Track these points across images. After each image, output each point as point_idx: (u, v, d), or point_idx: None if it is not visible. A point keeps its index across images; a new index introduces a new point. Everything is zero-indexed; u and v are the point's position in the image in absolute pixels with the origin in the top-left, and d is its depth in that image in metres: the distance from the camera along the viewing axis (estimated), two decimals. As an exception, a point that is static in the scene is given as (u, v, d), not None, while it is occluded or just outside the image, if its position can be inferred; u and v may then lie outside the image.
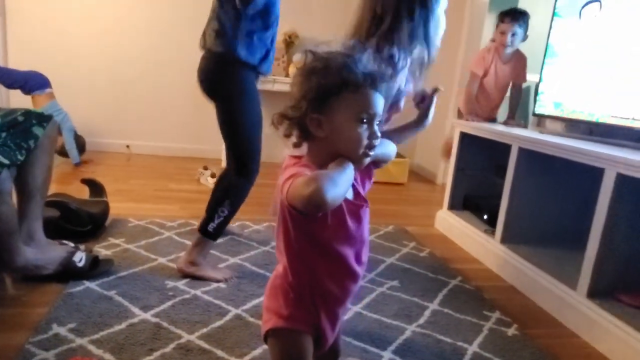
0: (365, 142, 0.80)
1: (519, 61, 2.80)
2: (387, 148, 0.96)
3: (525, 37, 2.71)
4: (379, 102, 0.82)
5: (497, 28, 2.72)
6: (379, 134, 0.81)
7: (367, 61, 0.81)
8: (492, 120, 2.91)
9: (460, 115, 2.97)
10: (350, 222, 0.84)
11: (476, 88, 2.81)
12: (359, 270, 0.89)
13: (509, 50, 2.72)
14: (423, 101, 1.44)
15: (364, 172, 0.97)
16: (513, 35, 2.64)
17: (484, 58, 2.79)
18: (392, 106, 1.32)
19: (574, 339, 1.62)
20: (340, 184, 0.74)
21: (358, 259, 0.89)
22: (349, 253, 0.86)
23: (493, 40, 2.83)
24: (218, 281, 1.71)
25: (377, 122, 0.82)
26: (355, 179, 0.86)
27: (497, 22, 2.76)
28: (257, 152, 1.82)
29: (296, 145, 0.85)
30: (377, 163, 0.95)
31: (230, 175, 1.80)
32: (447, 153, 2.93)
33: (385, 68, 0.84)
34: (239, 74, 1.69)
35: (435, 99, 1.42)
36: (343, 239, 0.84)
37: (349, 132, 0.79)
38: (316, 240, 0.83)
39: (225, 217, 1.77)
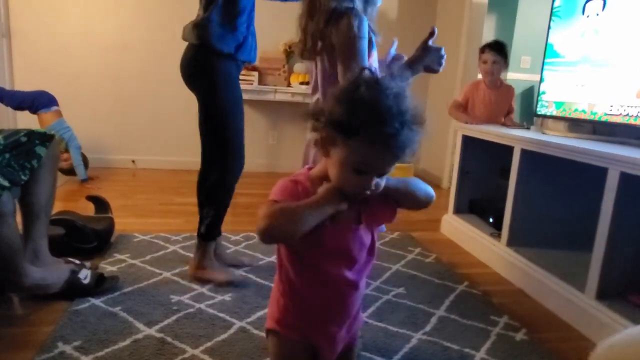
0: (353, 189, 0.77)
1: (507, 91, 2.87)
2: (414, 186, 0.86)
3: (506, 65, 2.82)
4: (389, 163, 0.76)
5: (480, 59, 2.83)
6: (372, 188, 0.76)
7: (401, 119, 0.73)
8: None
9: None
10: (331, 242, 0.81)
11: (458, 114, 2.81)
12: (343, 289, 0.85)
13: (493, 77, 2.80)
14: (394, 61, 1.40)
15: (381, 208, 0.86)
16: (494, 63, 2.74)
17: (469, 87, 2.89)
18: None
19: (584, 342, 1.59)
20: (299, 222, 0.74)
21: (342, 277, 0.84)
22: (331, 269, 0.83)
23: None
24: (221, 282, 1.77)
25: (376, 177, 0.77)
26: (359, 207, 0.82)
27: (478, 55, 2.86)
28: (238, 145, 1.81)
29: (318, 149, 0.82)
30: (399, 201, 0.86)
31: (209, 176, 1.80)
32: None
33: (416, 125, 0.75)
34: (215, 64, 1.71)
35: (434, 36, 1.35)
36: (322, 257, 0.82)
37: (339, 173, 0.77)
38: (293, 253, 0.83)
39: (213, 217, 1.80)
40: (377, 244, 0.90)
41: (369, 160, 0.75)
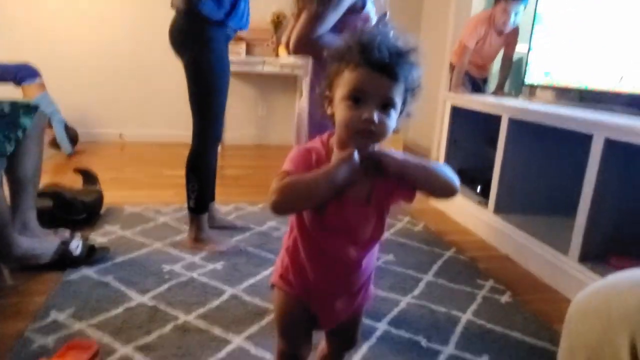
0: (356, 125, 0.73)
1: (513, 34, 2.79)
2: (436, 169, 0.79)
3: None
4: (382, 84, 0.73)
5: (499, 5, 2.66)
6: (375, 119, 0.72)
7: (383, 41, 0.73)
8: (484, 80, 2.94)
9: (452, 68, 2.97)
10: (334, 219, 0.79)
11: (467, 61, 2.80)
12: (343, 265, 0.84)
13: (508, 29, 2.71)
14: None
15: (397, 188, 0.80)
16: (516, 14, 2.63)
17: (476, 30, 2.77)
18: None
19: (567, 303, 1.62)
20: (310, 195, 0.74)
21: (344, 253, 0.82)
22: (332, 245, 0.82)
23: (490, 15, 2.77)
24: (222, 251, 1.82)
25: (382, 108, 0.74)
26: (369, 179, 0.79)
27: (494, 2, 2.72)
28: (220, 116, 1.81)
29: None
30: (417, 182, 0.79)
31: (191, 151, 1.82)
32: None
33: (406, 52, 0.74)
34: (204, 31, 1.69)
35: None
36: (324, 229, 0.81)
37: (341, 111, 0.75)
38: (302, 220, 0.83)
39: (198, 190, 1.82)
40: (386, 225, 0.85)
41: (361, 84, 0.73)
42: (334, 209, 0.78)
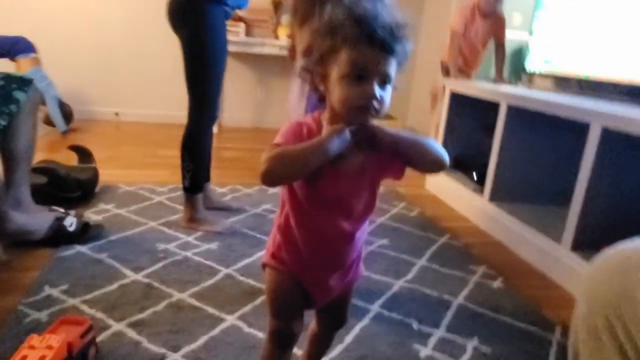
0: (357, 102, 0.74)
1: (498, 19, 2.82)
2: (427, 144, 0.80)
3: None
4: (382, 61, 0.73)
5: None
6: (376, 95, 0.73)
7: (379, 16, 0.73)
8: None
9: (444, 70, 2.97)
10: (330, 189, 0.80)
11: (458, 45, 2.81)
12: (336, 239, 0.84)
13: (492, 9, 2.74)
14: None
15: (388, 161, 0.81)
16: None
17: (463, 13, 2.80)
18: None
19: (558, 290, 1.66)
20: (300, 164, 0.74)
21: (337, 226, 0.83)
22: (326, 217, 0.82)
23: None
24: (217, 232, 1.81)
25: (381, 84, 0.74)
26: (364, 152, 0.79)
27: None
28: (216, 95, 1.79)
29: (318, 99, 0.81)
30: (409, 157, 0.80)
31: (186, 130, 1.81)
32: (434, 100, 2.95)
33: (401, 26, 0.74)
34: (201, 7, 1.67)
35: None
36: (319, 201, 0.81)
37: (340, 89, 0.75)
38: (293, 194, 0.83)
39: (193, 170, 1.82)
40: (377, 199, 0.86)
41: (363, 62, 0.73)
42: (329, 180, 0.78)
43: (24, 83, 1.62)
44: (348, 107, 0.75)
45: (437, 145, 0.81)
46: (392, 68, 0.75)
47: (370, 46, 0.72)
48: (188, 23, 1.69)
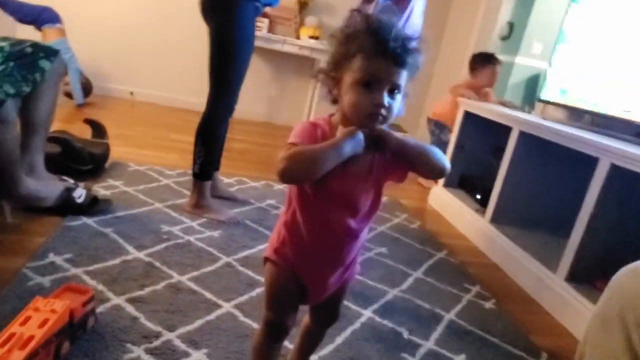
0: (366, 108, 0.78)
1: (487, 95, 3.14)
2: (430, 151, 0.84)
3: None
4: (392, 71, 0.78)
5: (487, 69, 3.08)
6: (385, 103, 0.78)
7: (394, 29, 0.78)
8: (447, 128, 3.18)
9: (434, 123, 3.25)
10: (338, 187, 0.83)
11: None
12: (342, 235, 0.87)
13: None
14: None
15: (394, 164, 0.85)
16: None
17: (466, 90, 3.08)
18: None
19: (547, 317, 1.69)
20: (318, 164, 0.77)
21: (344, 223, 0.86)
22: (334, 214, 0.85)
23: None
24: (221, 221, 1.84)
25: (390, 93, 0.79)
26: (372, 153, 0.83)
27: (482, 65, 3.10)
28: (235, 86, 1.83)
29: (331, 101, 0.85)
30: (413, 162, 0.84)
31: (203, 117, 1.84)
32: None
33: (414, 40, 0.79)
34: (235, 2, 1.71)
35: None
36: (328, 202, 0.84)
37: (351, 95, 0.79)
38: (302, 191, 0.86)
39: (205, 156, 1.85)
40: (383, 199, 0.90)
41: (374, 71, 0.77)
42: (338, 178, 0.81)
43: (51, 53, 1.65)
44: (357, 113, 0.79)
45: (439, 153, 0.86)
46: (403, 78, 0.80)
47: (383, 57, 0.77)
48: (219, 15, 1.72)
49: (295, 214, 0.87)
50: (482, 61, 3.12)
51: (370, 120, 0.80)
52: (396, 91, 0.80)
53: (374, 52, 0.77)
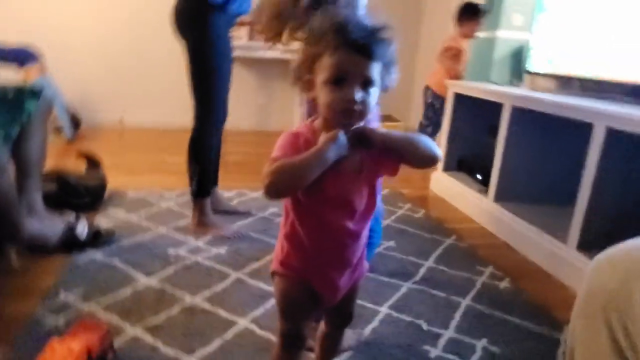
0: (340, 105, 0.77)
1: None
2: (418, 141, 0.83)
3: None
4: (361, 65, 0.76)
5: (474, 21, 3.04)
6: (358, 98, 0.76)
7: (356, 22, 0.77)
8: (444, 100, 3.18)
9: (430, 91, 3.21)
10: (331, 189, 0.82)
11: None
12: (343, 237, 0.86)
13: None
14: None
15: (384, 159, 0.84)
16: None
17: (461, 44, 3.11)
18: None
19: (564, 289, 1.68)
20: (302, 175, 0.76)
21: (343, 226, 0.85)
22: (331, 217, 0.85)
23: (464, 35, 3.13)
24: (225, 236, 1.83)
25: (363, 87, 0.77)
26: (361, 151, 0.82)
27: (466, 17, 3.08)
28: (220, 100, 1.81)
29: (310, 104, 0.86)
30: (402, 155, 0.83)
31: (191, 135, 1.83)
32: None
33: (379, 30, 0.78)
34: (205, 14, 1.69)
35: None
36: (323, 206, 0.83)
37: (324, 94, 0.78)
38: (296, 200, 0.85)
39: (200, 174, 1.83)
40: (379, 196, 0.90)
41: (341, 66, 0.76)
42: (331, 180, 0.81)
43: (34, 93, 1.65)
44: (332, 112, 0.79)
45: (427, 140, 0.85)
46: (375, 71, 0.78)
47: (348, 51, 0.76)
48: (192, 31, 1.72)
49: (294, 224, 0.87)
50: (468, 13, 3.13)
51: (345, 118, 0.79)
52: (369, 85, 0.78)
53: (340, 48, 0.76)
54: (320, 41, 0.78)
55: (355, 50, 0.76)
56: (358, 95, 0.76)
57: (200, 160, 1.83)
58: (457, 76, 3.05)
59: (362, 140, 0.81)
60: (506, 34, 3.41)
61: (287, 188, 0.79)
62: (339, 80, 0.76)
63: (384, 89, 0.82)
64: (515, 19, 3.88)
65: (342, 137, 0.78)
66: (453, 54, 3.09)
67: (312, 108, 1.28)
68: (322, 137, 0.79)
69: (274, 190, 0.77)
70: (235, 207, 2.17)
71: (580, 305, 0.71)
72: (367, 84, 0.78)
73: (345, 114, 0.78)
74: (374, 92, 0.79)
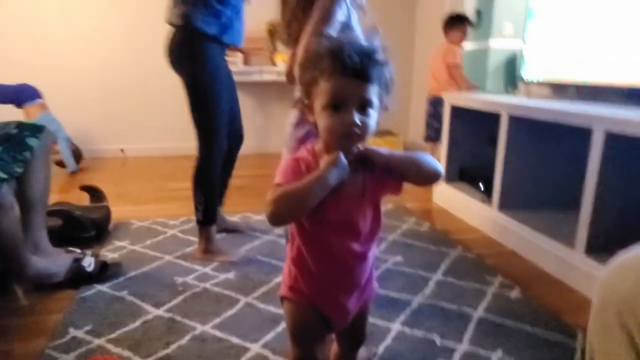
0: (339, 130, 0.77)
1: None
2: (420, 160, 0.84)
3: None
4: (358, 88, 0.77)
5: (461, 30, 3.18)
6: (357, 122, 0.76)
7: (351, 46, 0.77)
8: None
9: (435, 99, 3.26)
10: (334, 214, 0.82)
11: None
12: (350, 260, 0.86)
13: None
14: None
15: (386, 180, 0.85)
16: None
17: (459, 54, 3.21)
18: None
19: (575, 295, 1.67)
20: (304, 201, 0.77)
21: (349, 249, 0.85)
22: (336, 241, 0.85)
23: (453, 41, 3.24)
24: (233, 262, 1.82)
25: (361, 109, 0.77)
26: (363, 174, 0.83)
27: (450, 26, 3.21)
28: (218, 128, 1.81)
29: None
30: (404, 174, 0.84)
31: (196, 164, 1.84)
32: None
33: (376, 52, 0.78)
34: (199, 46, 1.71)
35: None
36: (327, 230, 0.84)
37: (323, 119, 0.79)
38: (300, 225, 0.85)
39: (205, 202, 1.83)
40: (383, 216, 0.90)
41: (338, 92, 0.77)
42: (333, 204, 0.81)
43: (36, 130, 1.67)
44: (332, 136, 0.79)
45: (430, 159, 0.85)
46: (372, 93, 0.79)
47: (343, 76, 0.77)
48: (187, 63, 1.73)
49: (300, 249, 0.87)
50: (453, 20, 3.22)
51: (346, 141, 0.79)
52: (368, 107, 0.79)
53: (335, 73, 0.77)
54: (316, 66, 0.79)
55: (351, 75, 0.76)
56: (357, 118, 0.77)
57: (205, 189, 1.84)
58: (470, 87, 3.15)
59: (364, 162, 0.81)
60: (498, 43, 3.46)
61: (290, 215, 0.80)
62: (336, 105, 0.77)
63: (384, 109, 0.83)
64: (505, 27, 3.94)
65: (343, 159, 0.78)
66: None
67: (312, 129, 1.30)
68: (323, 160, 0.79)
69: (277, 219, 0.79)
70: (238, 224, 2.20)
71: (596, 314, 0.71)
72: (365, 106, 0.78)
73: (345, 137, 0.78)
74: (373, 113, 0.79)
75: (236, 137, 2.05)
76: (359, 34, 1.35)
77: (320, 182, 0.77)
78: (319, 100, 0.79)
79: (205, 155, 1.82)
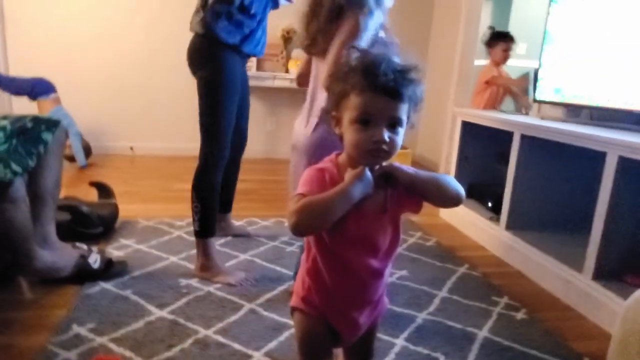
0: (366, 146, 0.77)
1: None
2: (443, 181, 0.84)
3: None
4: (388, 106, 0.77)
5: (499, 47, 3.19)
6: (385, 139, 0.77)
7: (385, 63, 0.77)
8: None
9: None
10: (354, 229, 0.82)
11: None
12: (366, 276, 0.86)
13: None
14: None
15: (407, 198, 0.85)
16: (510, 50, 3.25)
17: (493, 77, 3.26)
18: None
19: (581, 320, 1.65)
20: (328, 213, 0.76)
21: (366, 265, 0.84)
22: (354, 256, 0.84)
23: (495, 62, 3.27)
24: (231, 284, 1.69)
25: (390, 127, 0.77)
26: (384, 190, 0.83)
27: (494, 41, 3.23)
28: (225, 136, 1.77)
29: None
30: (425, 194, 0.84)
31: (196, 171, 1.78)
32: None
33: (409, 71, 0.78)
34: (217, 53, 1.71)
35: None
36: (347, 245, 0.83)
37: (351, 133, 0.79)
38: (319, 238, 0.84)
39: (201, 211, 1.73)
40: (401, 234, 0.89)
41: (368, 108, 0.77)
42: (353, 220, 0.80)
43: (52, 124, 1.67)
44: (358, 151, 0.79)
45: (453, 182, 0.84)
46: (402, 111, 0.79)
47: (376, 93, 0.77)
48: (203, 67, 1.72)
49: (316, 260, 0.86)
50: (493, 38, 3.25)
51: (372, 157, 0.79)
52: (397, 125, 0.78)
53: (367, 89, 0.77)
54: (349, 79, 0.79)
55: (383, 93, 0.76)
56: (385, 135, 0.77)
57: (203, 199, 1.75)
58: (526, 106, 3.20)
59: (388, 178, 0.81)
60: (512, 62, 3.47)
61: (313, 227, 0.79)
62: (366, 121, 0.77)
63: (411, 126, 0.82)
64: (519, 47, 3.95)
65: (368, 174, 0.78)
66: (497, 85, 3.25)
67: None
68: (348, 174, 0.79)
69: (300, 229, 0.78)
70: (245, 230, 2.20)
71: (617, 348, 0.70)
72: (394, 124, 0.78)
73: (373, 154, 0.78)
74: (401, 131, 0.79)
75: (240, 141, 2.05)
76: (394, 49, 1.37)
77: (344, 195, 0.76)
78: (348, 114, 0.79)
79: (206, 161, 1.76)
